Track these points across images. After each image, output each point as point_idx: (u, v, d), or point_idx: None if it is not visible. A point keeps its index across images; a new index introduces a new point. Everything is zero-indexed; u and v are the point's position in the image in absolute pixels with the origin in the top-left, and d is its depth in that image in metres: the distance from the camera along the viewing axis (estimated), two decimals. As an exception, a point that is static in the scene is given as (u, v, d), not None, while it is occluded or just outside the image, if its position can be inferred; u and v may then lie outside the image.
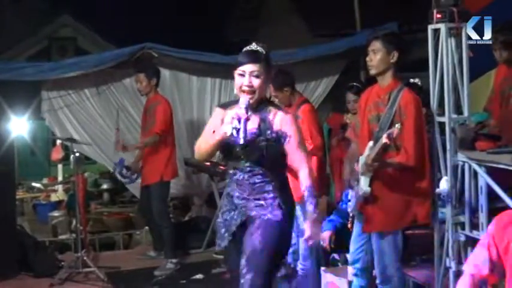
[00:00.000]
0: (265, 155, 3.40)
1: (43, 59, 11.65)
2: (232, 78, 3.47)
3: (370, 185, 3.94)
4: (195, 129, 6.97)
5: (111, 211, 9.54)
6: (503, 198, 3.77)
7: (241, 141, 3.28)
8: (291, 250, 5.34)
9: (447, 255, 4.18)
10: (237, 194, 3.49)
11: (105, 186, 10.59)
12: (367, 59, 4.03)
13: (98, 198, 10.40)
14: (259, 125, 3.40)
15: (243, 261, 3.38)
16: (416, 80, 6.19)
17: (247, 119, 3.30)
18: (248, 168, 3.43)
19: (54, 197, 10.38)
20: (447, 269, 4.18)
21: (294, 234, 5.33)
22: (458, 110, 4.21)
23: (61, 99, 6.83)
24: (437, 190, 4.21)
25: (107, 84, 6.97)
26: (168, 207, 7.10)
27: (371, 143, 3.92)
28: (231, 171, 3.51)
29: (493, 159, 3.86)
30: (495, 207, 3.86)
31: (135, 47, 6.75)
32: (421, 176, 3.94)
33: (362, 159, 3.98)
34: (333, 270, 4.92)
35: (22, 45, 12.81)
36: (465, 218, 4.12)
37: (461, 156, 4.12)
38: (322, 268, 5.00)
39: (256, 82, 3.37)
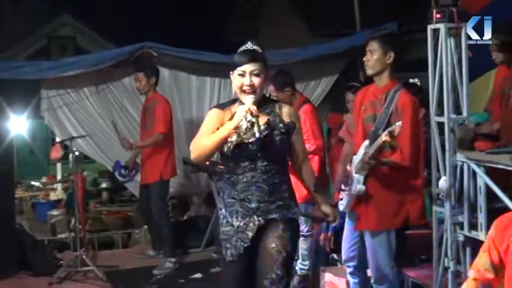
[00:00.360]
0: (280, 150, 3.37)
1: (42, 58, 11.67)
2: (232, 77, 3.44)
3: (364, 184, 3.97)
4: (194, 128, 6.94)
5: (110, 210, 9.55)
6: (502, 198, 3.77)
7: (258, 135, 3.19)
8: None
9: (446, 255, 4.18)
10: (255, 197, 3.33)
11: (104, 185, 10.60)
12: (364, 59, 4.07)
13: (97, 197, 10.40)
14: (268, 120, 3.35)
15: (276, 266, 3.27)
16: (416, 80, 6.21)
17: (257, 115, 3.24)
18: (265, 168, 3.32)
19: (53, 196, 10.38)
20: (446, 269, 4.18)
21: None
22: (457, 110, 4.21)
23: (60, 98, 6.82)
24: (436, 190, 4.23)
25: (106, 83, 6.97)
26: (167, 206, 7.10)
27: (367, 142, 3.95)
28: (240, 176, 3.34)
29: (492, 160, 3.86)
30: (494, 208, 3.86)
31: (134, 46, 6.75)
32: (415, 175, 3.98)
33: (356, 158, 4.01)
34: (332, 270, 4.92)
35: (21, 44, 12.82)
36: (464, 218, 4.11)
37: (460, 156, 4.12)
38: (321, 268, 5.00)
39: (256, 81, 3.32)
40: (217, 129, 3.33)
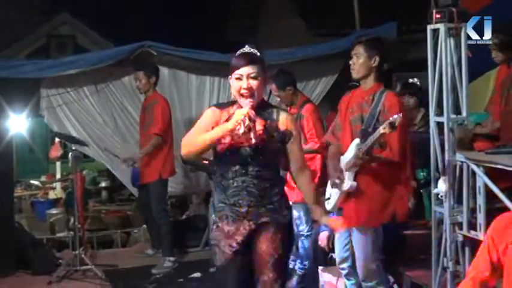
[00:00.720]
0: (273, 157, 3.34)
1: (42, 56, 11.64)
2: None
3: (354, 180, 4.08)
4: (194, 127, 6.96)
5: (109, 209, 9.53)
6: (501, 198, 3.78)
7: (254, 141, 3.16)
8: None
9: (445, 255, 4.18)
10: (245, 202, 3.30)
11: (103, 184, 10.59)
12: (350, 62, 4.18)
13: (96, 196, 10.39)
14: (264, 126, 3.30)
15: (267, 268, 3.26)
16: (415, 80, 6.20)
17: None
18: (257, 173, 3.28)
19: (52, 195, 10.37)
20: (445, 269, 4.18)
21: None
22: (457, 110, 4.22)
23: (60, 97, 6.81)
24: (435, 190, 4.24)
25: (105, 82, 6.96)
26: (167, 205, 7.10)
27: (357, 140, 4.05)
28: (230, 181, 3.31)
29: (491, 160, 3.87)
30: (493, 208, 3.87)
31: (134, 45, 6.74)
32: (402, 171, 4.13)
33: (346, 157, 4.12)
34: (331, 269, 4.92)
35: (21, 43, 12.78)
36: (463, 218, 4.12)
37: (459, 156, 4.12)
38: (320, 268, 5.00)
39: (254, 84, 3.27)
40: (212, 128, 3.29)
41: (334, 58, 7.30)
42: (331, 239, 4.87)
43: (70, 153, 6.25)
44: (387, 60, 4.30)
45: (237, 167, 3.30)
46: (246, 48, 3.36)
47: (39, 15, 13.13)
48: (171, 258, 6.26)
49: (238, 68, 3.29)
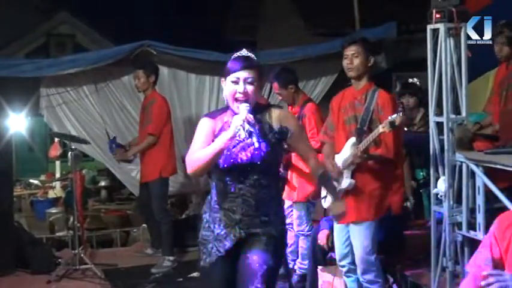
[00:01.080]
0: (273, 160, 3.24)
1: (41, 55, 11.65)
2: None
3: (352, 178, 4.15)
4: (193, 127, 6.89)
5: (108, 208, 9.53)
6: (501, 198, 3.78)
7: (257, 145, 3.06)
8: (289, 250, 5.36)
9: (444, 255, 4.18)
10: (239, 209, 3.20)
11: (102, 184, 10.58)
12: (347, 61, 4.20)
13: (95, 195, 10.39)
14: (260, 130, 3.17)
15: (256, 278, 3.14)
16: (415, 80, 6.21)
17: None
18: (255, 182, 3.19)
19: (51, 194, 10.37)
20: (444, 269, 4.19)
21: (292, 234, 5.37)
22: (456, 110, 4.22)
23: (59, 96, 6.81)
24: (434, 190, 4.24)
25: (105, 82, 6.96)
26: (167, 204, 7.10)
27: (353, 139, 4.11)
28: (227, 186, 3.21)
29: (490, 160, 3.87)
30: (492, 208, 3.87)
31: (134, 44, 6.74)
32: (396, 167, 4.21)
33: (342, 156, 4.17)
34: (330, 269, 4.92)
35: (20, 42, 12.78)
36: (462, 218, 4.12)
37: (459, 156, 4.12)
38: (320, 267, 5.00)
39: (250, 89, 3.15)
40: (212, 140, 3.18)
41: (333, 58, 7.27)
42: (330, 238, 4.88)
43: (69, 153, 6.25)
44: (377, 63, 4.41)
45: (235, 173, 3.20)
46: (244, 52, 3.26)
47: (38, 14, 13.13)
48: (171, 258, 6.25)
49: (235, 71, 3.18)
